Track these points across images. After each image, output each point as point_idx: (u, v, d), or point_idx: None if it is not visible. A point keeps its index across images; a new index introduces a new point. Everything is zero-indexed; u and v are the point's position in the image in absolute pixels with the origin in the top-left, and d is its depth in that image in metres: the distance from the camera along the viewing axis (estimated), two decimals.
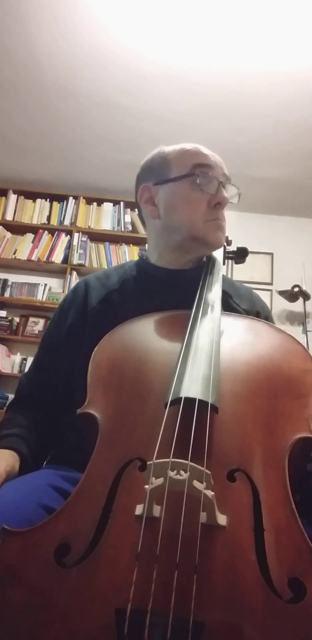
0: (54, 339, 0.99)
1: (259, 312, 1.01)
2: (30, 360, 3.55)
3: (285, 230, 3.91)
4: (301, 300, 3.54)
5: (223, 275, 1.00)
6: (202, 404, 0.60)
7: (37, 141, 3.37)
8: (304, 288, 3.51)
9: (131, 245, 3.76)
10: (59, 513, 0.54)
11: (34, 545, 0.50)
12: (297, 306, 3.61)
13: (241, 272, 3.46)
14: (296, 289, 3.51)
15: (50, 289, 3.72)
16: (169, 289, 0.97)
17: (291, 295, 3.53)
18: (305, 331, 3.54)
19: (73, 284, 3.37)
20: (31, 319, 3.68)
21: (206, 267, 0.99)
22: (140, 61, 2.57)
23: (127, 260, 3.41)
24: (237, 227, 3.66)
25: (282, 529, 0.51)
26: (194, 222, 0.94)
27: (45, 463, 0.91)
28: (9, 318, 3.63)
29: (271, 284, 3.79)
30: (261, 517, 0.51)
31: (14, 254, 3.71)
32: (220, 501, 0.50)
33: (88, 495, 0.55)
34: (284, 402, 0.66)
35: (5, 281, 3.74)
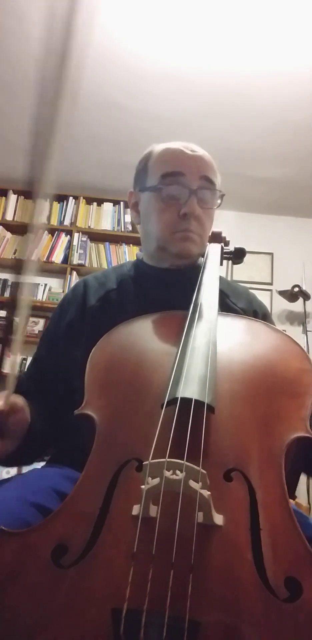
0: (53, 336, 1.00)
1: (256, 311, 1.01)
2: (30, 360, 3.54)
3: (285, 230, 3.90)
4: (301, 300, 3.54)
5: (220, 275, 1.00)
6: (199, 404, 0.60)
7: None
8: (304, 288, 3.51)
9: (131, 245, 3.76)
10: (56, 514, 0.53)
11: (31, 546, 0.50)
12: (297, 306, 3.60)
13: (240, 272, 3.46)
14: (296, 289, 3.51)
15: (50, 289, 3.72)
16: (166, 288, 0.97)
17: (291, 295, 3.53)
18: (305, 331, 3.55)
19: (73, 284, 3.36)
20: (31, 319, 3.67)
21: (203, 266, 0.99)
22: (141, 61, 2.57)
23: (127, 260, 3.42)
24: (236, 227, 3.66)
25: (279, 528, 0.50)
26: (162, 234, 0.95)
27: (45, 463, 0.91)
28: None
29: (271, 284, 3.78)
30: (258, 517, 0.51)
31: (14, 254, 3.71)
32: (216, 501, 0.50)
33: (85, 496, 0.55)
34: (281, 401, 0.66)
35: (5, 281, 3.74)
